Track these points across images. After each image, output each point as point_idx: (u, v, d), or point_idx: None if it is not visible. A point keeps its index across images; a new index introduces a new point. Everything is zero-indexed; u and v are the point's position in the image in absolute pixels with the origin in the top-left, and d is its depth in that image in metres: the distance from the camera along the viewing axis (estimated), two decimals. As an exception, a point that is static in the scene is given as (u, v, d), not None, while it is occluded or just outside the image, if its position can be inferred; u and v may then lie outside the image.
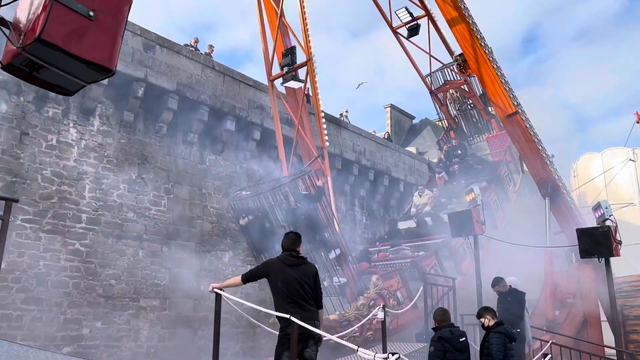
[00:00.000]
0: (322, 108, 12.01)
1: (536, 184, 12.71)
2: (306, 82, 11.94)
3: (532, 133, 12.14)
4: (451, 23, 11.84)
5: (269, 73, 12.64)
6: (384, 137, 23.61)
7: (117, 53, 2.88)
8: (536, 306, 11.79)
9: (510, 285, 8.50)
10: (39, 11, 2.62)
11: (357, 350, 4.14)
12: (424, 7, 15.30)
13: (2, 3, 2.80)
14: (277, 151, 15.73)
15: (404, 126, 30.29)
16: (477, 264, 10.02)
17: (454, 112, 17.33)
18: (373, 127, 24.08)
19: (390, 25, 15.82)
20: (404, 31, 15.77)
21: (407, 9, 15.37)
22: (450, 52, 16.20)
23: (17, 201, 5.89)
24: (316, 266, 5.53)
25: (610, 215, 9.78)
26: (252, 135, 15.00)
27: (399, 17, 15.61)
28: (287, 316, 4.68)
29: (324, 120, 12.07)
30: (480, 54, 11.69)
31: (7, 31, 2.80)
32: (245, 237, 10.67)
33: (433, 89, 16.75)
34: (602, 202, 10.11)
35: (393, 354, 3.95)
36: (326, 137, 11.86)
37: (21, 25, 2.77)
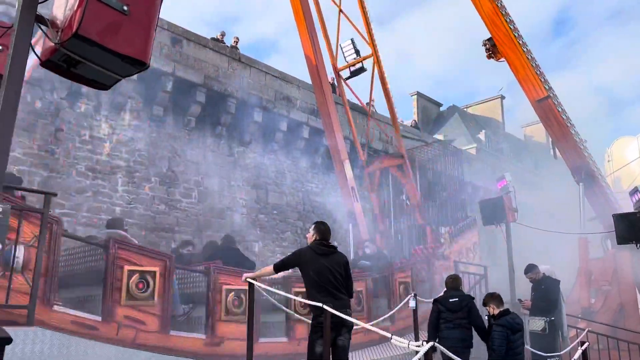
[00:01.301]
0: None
1: (570, 170, 12.42)
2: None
3: (564, 117, 11.85)
4: (478, 5, 11.58)
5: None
6: (411, 126, 23.38)
7: (150, 46, 2.93)
8: (571, 294, 11.59)
9: (544, 273, 8.35)
10: (75, 7, 2.68)
11: (391, 338, 4.13)
12: (372, 44, 13.08)
13: (40, 0, 2.86)
14: (303, 142, 15.81)
15: (431, 114, 29.94)
16: (510, 253, 9.89)
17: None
18: (400, 115, 23.89)
19: (334, 65, 13.76)
20: (346, 73, 13.74)
21: (353, 42, 13.20)
22: (392, 109, 13.99)
23: (55, 195, 6.07)
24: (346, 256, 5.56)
25: (648, 200, 9.52)
26: (279, 127, 15.05)
27: (343, 52, 13.38)
28: (320, 305, 4.72)
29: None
30: (510, 37, 11.42)
31: (45, 28, 2.87)
32: None
33: (366, 162, 14.38)
34: (640, 186, 9.85)
35: (427, 341, 3.92)
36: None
37: (58, 22, 2.84)
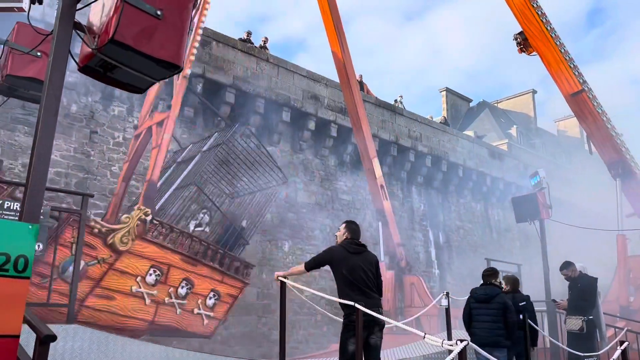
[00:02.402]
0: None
1: (606, 165, 12.09)
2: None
3: (600, 111, 11.54)
4: (509, -1, 11.38)
5: None
6: (440, 122, 23.13)
7: (184, 50, 2.98)
8: (608, 292, 11.29)
9: (580, 271, 8.14)
10: (111, 13, 2.75)
11: (424, 337, 4.10)
12: None
13: (77, 7, 2.94)
14: (332, 140, 15.81)
15: (461, 110, 29.55)
16: (544, 250, 9.69)
17: None
18: (429, 112, 23.71)
19: None
20: None
21: None
22: None
23: (92, 196, 6.25)
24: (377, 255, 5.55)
25: (690, 195, 9.19)
26: (307, 126, 15.10)
27: None
28: (352, 303, 4.71)
29: (372, 103, 11.94)
30: (542, 30, 11.19)
31: (82, 35, 2.96)
32: None
33: None
34: (681, 182, 9.52)
35: (461, 340, 3.88)
36: (189, 71, 9.42)
37: (95, 28, 2.92)
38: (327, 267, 5.19)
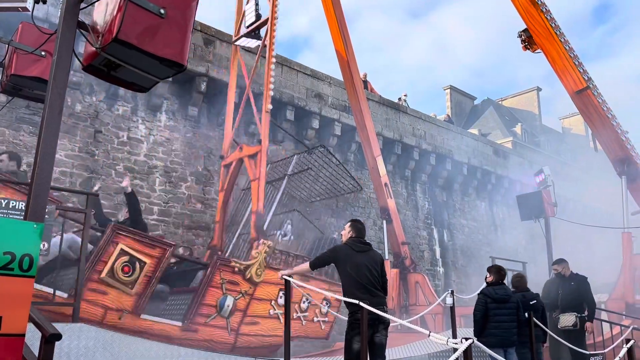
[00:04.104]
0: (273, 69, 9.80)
1: (611, 162, 12.04)
2: (265, 41, 9.90)
3: (605, 108, 11.49)
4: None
5: (236, 34, 10.80)
6: (445, 120, 23.07)
7: (187, 48, 2.98)
8: (614, 290, 11.24)
9: (571, 271, 8.13)
10: (115, 12, 2.75)
11: (429, 335, 4.09)
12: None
13: (81, 7, 2.95)
14: (336, 139, 15.78)
15: (465, 107, 29.46)
16: (549, 248, 9.66)
17: None
18: (433, 110, 23.64)
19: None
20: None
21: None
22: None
23: (97, 195, 6.27)
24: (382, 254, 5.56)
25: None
26: (310, 124, 15.08)
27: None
28: (357, 302, 4.71)
29: (376, 101, 11.87)
30: (546, 27, 11.13)
31: (86, 34, 2.96)
32: None
33: None
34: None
35: (466, 339, 3.87)
36: (270, 106, 9.86)
37: (98, 27, 2.92)
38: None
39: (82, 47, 3.38)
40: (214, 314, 7.14)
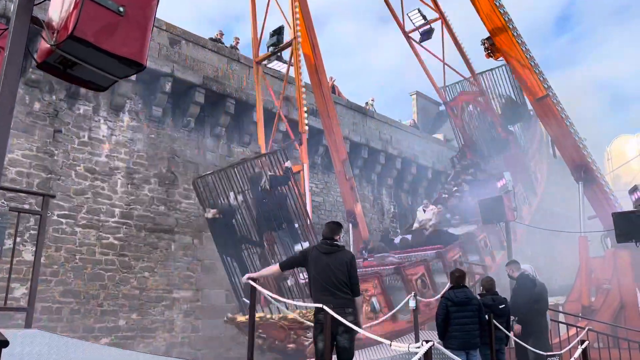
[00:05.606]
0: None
1: (569, 168, 12.42)
2: (290, 62, 11.20)
3: (563, 116, 11.86)
4: (477, 3, 11.59)
5: (255, 54, 12.07)
6: (410, 125, 23.36)
7: (147, 47, 2.92)
8: (571, 292, 11.58)
9: (522, 272, 7.89)
10: (71, 9, 2.67)
11: (390, 345, 4.13)
12: (437, 9, 14.76)
13: (36, 2, 2.85)
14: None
15: (431, 113, 29.89)
16: (509, 251, 9.88)
17: (471, 129, 16.91)
18: (400, 115, 23.96)
19: (402, 29, 15.46)
20: (416, 35, 15.29)
21: (420, 11, 14.75)
22: (466, 60, 16.15)
23: (53, 197, 6.06)
24: (352, 253, 5.58)
25: (647, 198, 9.51)
26: (278, 127, 15.01)
27: (411, 20, 15.04)
28: (317, 305, 4.75)
29: (344, 105, 12.03)
30: (508, 36, 11.43)
31: (40, 30, 2.86)
32: (211, 231, 10.90)
33: (447, 100, 16.40)
34: None
35: (427, 341, 3.91)
36: (306, 122, 11.47)
37: (54, 23, 2.83)
38: None
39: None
40: None
